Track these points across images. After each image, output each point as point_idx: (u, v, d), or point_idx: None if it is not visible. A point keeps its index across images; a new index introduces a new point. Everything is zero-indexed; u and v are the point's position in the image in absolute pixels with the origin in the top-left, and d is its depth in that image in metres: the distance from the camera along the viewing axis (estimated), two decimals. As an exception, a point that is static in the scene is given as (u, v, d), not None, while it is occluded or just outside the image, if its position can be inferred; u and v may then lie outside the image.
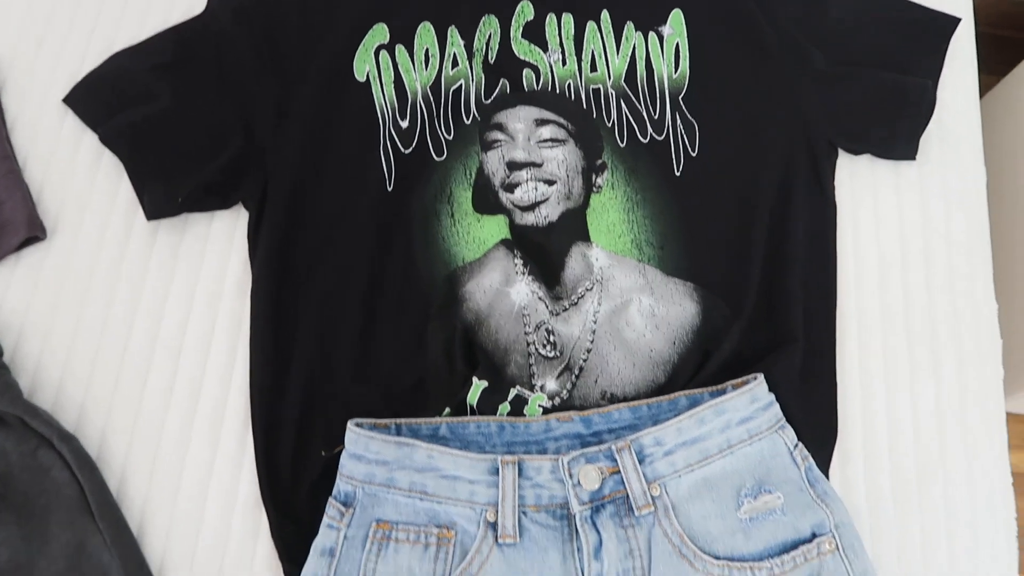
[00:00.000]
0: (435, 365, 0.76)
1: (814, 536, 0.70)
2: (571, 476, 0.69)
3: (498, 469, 0.69)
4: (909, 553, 0.74)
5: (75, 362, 0.79)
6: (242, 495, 0.74)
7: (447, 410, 0.74)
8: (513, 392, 0.76)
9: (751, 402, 0.72)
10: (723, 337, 0.78)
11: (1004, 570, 0.75)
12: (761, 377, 0.74)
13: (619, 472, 0.70)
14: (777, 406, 0.73)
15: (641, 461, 0.70)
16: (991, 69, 1.26)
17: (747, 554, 0.69)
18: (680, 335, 0.79)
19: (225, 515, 0.73)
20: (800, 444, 0.72)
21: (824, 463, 0.76)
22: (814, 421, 0.76)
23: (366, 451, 0.70)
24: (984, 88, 1.10)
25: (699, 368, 0.77)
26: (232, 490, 0.74)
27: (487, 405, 0.75)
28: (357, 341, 0.77)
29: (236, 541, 0.73)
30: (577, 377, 0.77)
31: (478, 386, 0.75)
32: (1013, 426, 0.81)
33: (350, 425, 0.71)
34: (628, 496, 0.70)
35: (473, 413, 0.75)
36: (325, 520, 0.69)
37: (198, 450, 0.76)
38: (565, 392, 0.77)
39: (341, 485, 0.70)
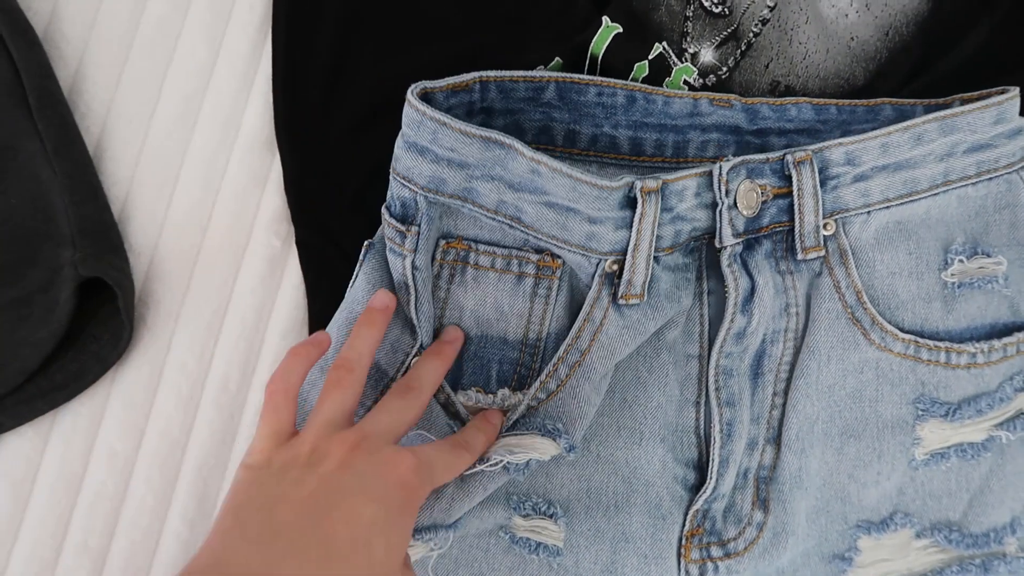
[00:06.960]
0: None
1: (1038, 323, 0.50)
2: (727, 193, 0.47)
3: (636, 199, 0.45)
4: None
5: None
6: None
7: (557, 59, 0.51)
8: (657, 49, 0.52)
9: (994, 122, 0.49)
10: (960, 36, 0.54)
11: None
12: (1015, 91, 0.50)
13: (790, 195, 0.48)
14: (1029, 139, 0.51)
15: (822, 184, 0.48)
16: None
17: (943, 330, 0.49)
18: (897, 24, 0.54)
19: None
20: (1047, 199, 0.51)
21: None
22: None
23: (433, 143, 0.45)
24: None
25: (916, 73, 0.54)
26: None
27: (617, 59, 0.51)
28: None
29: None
30: (743, 53, 0.53)
31: (610, 28, 0.51)
32: None
33: (412, 91, 0.45)
34: (794, 231, 0.48)
35: (594, 67, 0.51)
36: (387, 245, 0.46)
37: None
38: (724, 70, 0.53)
39: (395, 189, 0.46)
